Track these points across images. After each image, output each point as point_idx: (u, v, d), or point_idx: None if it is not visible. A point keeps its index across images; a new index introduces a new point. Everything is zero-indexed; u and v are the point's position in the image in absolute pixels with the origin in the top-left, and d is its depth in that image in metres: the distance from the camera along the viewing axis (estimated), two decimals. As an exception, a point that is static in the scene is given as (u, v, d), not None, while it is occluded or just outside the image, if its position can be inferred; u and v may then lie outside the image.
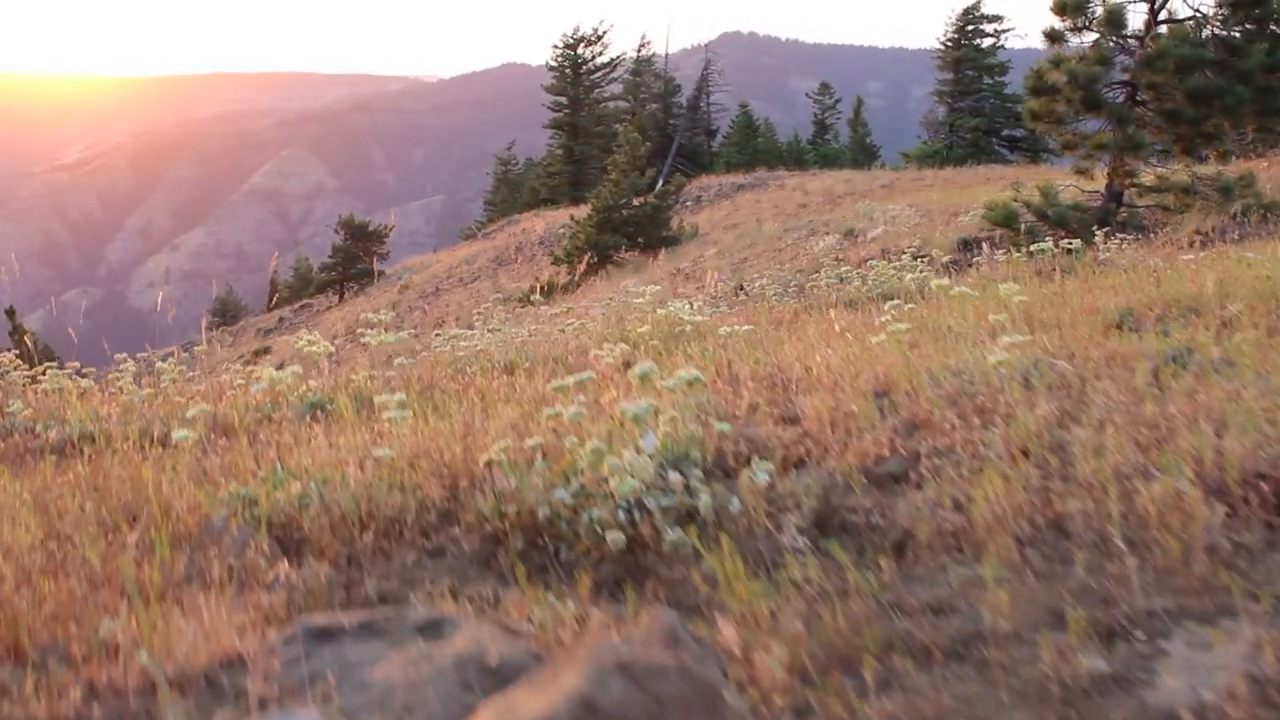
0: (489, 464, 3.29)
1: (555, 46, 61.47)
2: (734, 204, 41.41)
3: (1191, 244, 12.33)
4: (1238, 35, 15.36)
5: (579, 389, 3.62)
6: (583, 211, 36.28)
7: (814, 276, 14.31)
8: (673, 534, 2.90)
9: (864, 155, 61.71)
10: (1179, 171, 15.74)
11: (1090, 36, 15.67)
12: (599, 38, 61.26)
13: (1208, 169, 16.20)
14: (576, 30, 61.48)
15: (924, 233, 19.93)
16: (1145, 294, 6.71)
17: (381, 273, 51.12)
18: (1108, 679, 2.20)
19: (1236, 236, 12.64)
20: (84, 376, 7.03)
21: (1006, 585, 2.54)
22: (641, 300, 9.13)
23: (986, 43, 54.92)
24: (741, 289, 16.75)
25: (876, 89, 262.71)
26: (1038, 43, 16.27)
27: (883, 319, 6.08)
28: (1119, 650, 2.30)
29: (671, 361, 5.95)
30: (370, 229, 51.70)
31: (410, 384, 6.22)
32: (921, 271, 10.28)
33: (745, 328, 7.38)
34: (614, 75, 63.22)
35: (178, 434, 3.63)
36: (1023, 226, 14.92)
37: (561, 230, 39.20)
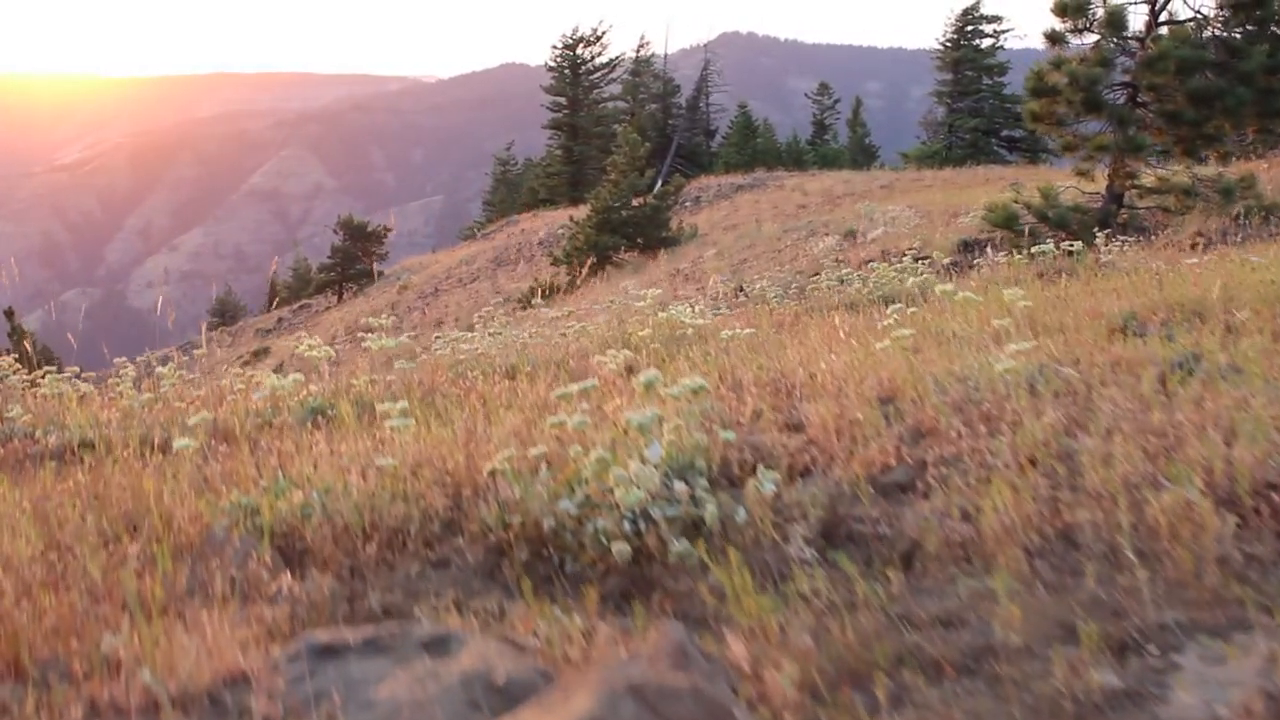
0: (493, 473, 3.27)
1: (554, 47, 61.49)
2: (733, 204, 41.39)
3: (1194, 246, 12.31)
4: (1239, 37, 15.34)
5: (582, 396, 3.59)
6: (582, 212, 36.24)
7: (814, 278, 14.29)
8: (679, 545, 2.87)
9: (863, 156, 61.70)
10: (1180, 173, 15.72)
11: (1091, 38, 15.65)
12: (598, 38, 61.27)
13: (1208, 170, 16.18)
14: (576, 31, 61.51)
15: (924, 234, 19.90)
16: (1148, 297, 6.69)
17: (380, 273, 51.07)
18: (1120, 694, 2.17)
19: (1239, 239, 12.62)
20: (83, 380, 7.00)
21: (1016, 598, 2.52)
22: (643, 304, 9.10)
23: (986, 43, 54.91)
24: (741, 290, 16.72)
25: (875, 89, 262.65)
26: (1037, 43, 16.28)
27: (885, 323, 6.07)
28: (1131, 664, 2.27)
29: (674, 366, 5.93)
30: (369, 229, 51.67)
31: (411, 389, 6.19)
32: (922, 274, 10.24)
33: (747, 331, 7.37)
34: (613, 76, 63.22)
35: (179, 442, 3.60)
36: (1025, 229, 14.88)
37: (561, 231, 39.18)
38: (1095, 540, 2.80)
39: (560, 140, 61.79)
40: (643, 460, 3.04)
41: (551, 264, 35.78)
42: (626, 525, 2.91)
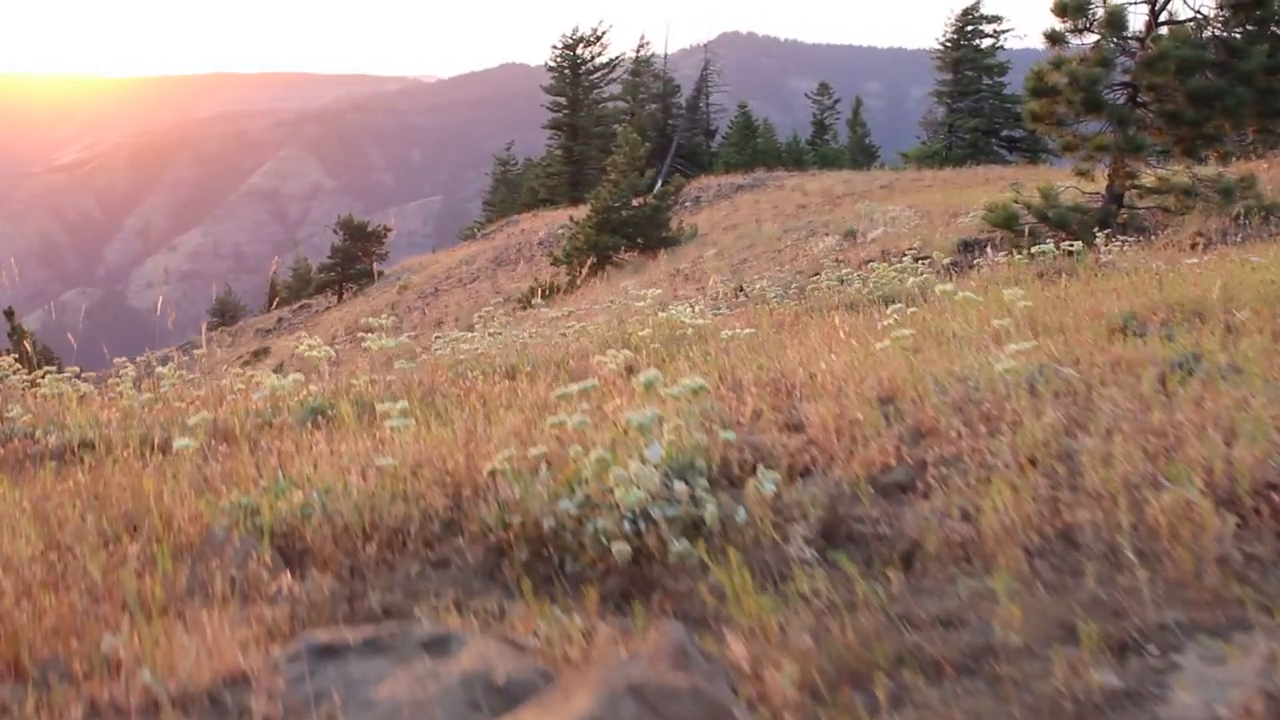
0: (493, 473, 3.27)
1: (554, 47, 61.50)
2: (733, 204, 41.39)
3: (1194, 246, 12.31)
4: (1239, 37, 15.34)
5: (582, 396, 3.59)
6: (582, 212, 36.24)
7: (814, 278, 14.28)
8: (679, 545, 2.87)
9: (863, 156, 61.71)
10: (1180, 173, 15.72)
11: (1091, 38, 15.65)
12: (598, 38, 61.27)
13: (1208, 170, 16.19)
14: (575, 31, 61.51)
15: (924, 234, 19.90)
16: (1148, 298, 6.69)
17: (380, 273, 51.08)
18: (1120, 694, 2.17)
19: (1239, 239, 12.61)
20: (83, 380, 7.00)
21: (1016, 598, 2.52)
22: (643, 304, 9.10)
23: (986, 43, 54.92)
24: (741, 290, 16.72)
25: (875, 89, 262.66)
26: (1037, 43, 16.27)
27: (885, 323, 6.07)
28: (1131, 664, 2.27)
29: (674, 366, 5.93)
30: (369, 229, 51.66)
31: (412, 389, 6.19)
32: (922, 274, 10.24)
33: (747, 331, 7.36)
34: (613, 76, 63.23)
35: (179, 442, 3.60)
36: (1026, 229, 14.88)
37: (560, 231, 39.18)
38: (1095, 540, 2.80)
39: (560, 140, 61.80)
40: (643, 460, 3.04)
41: (551, 264, 35.78)
42: (626, 525, 2.91)
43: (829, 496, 3.22)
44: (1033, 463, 3.28)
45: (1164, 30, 15.44)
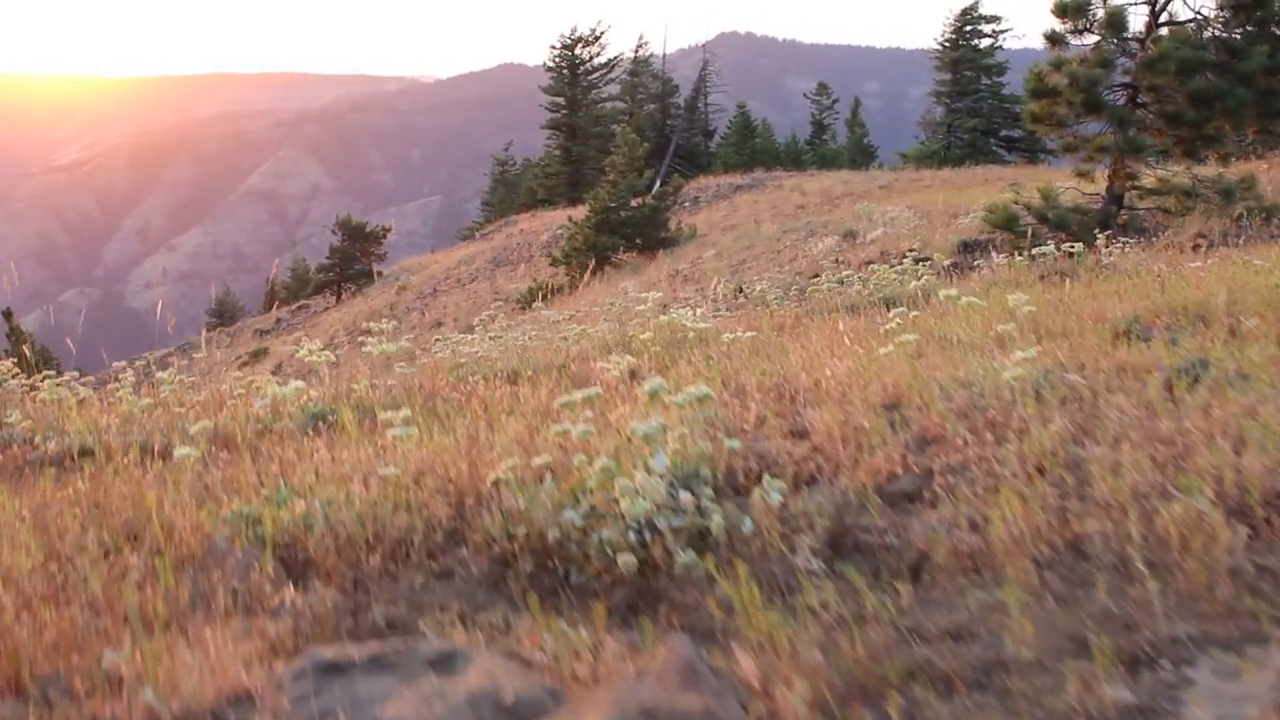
0: (496, 483, 3.24)
1: (553, 47, 61.44)
2: (732, 205, 41.37)
3: (1196, 248, 12.29)
4: (1239, 37, 15.33)
5: (586, 404, 3.57)
6: (580, 212, 36.22)
7: (814, 280, 14.25)
8: (685, 556, 2.85)
9: (862, 156, 61.69)
10: (1180, 174, 15.71)
11: (1091, 39, 15.64)
12: (596, 38, 61.25)
13: (1208, 170, 16.16)
14: (574, 31, 61.49)
15: (924, 235, 19.88)
16: (1151, 301, 6.67)
17: (379, 274, 51.04)
18: (1134, 710, 2.15)
19: (1240, 241, 12.60)
20: (82, 384, 6.97)
21: (1026, 610, 2.49)
22: (644, 307, 9.07)
23: (984, 43, 54.89)
24: (741, 291, 16.69)
25: (873, 89, 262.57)
26: (1035, 43, 16.27)
27: (887, 327, 6.04)
28: (1144, 679, 2.25)
29: (676, 371, 5.90)
30: (367, 230, 51.61)
31: (413, 394, 6.16)
32: (924, 277, 10.22)
33: (748, 334, 7.34)
34: (611, 76, 63.20)
35: (179, 451, 3.57)
36: (1030, 232, 14.86)
37: (559, 231, 39.15)
38: (1105, 551, 2.77)
39: (559, 140, 61.78)
40: (648, 470, 3.01)
41: (550, 264, 35.75)
42: (632, 536, 2.89)
43: (835, 506, 3.19)
44: (1040, 472, 3.25)
45: (1164, 31, 15.43)
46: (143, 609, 2.50)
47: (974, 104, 54.55)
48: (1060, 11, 15.52)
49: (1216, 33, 15.42)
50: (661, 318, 8.55)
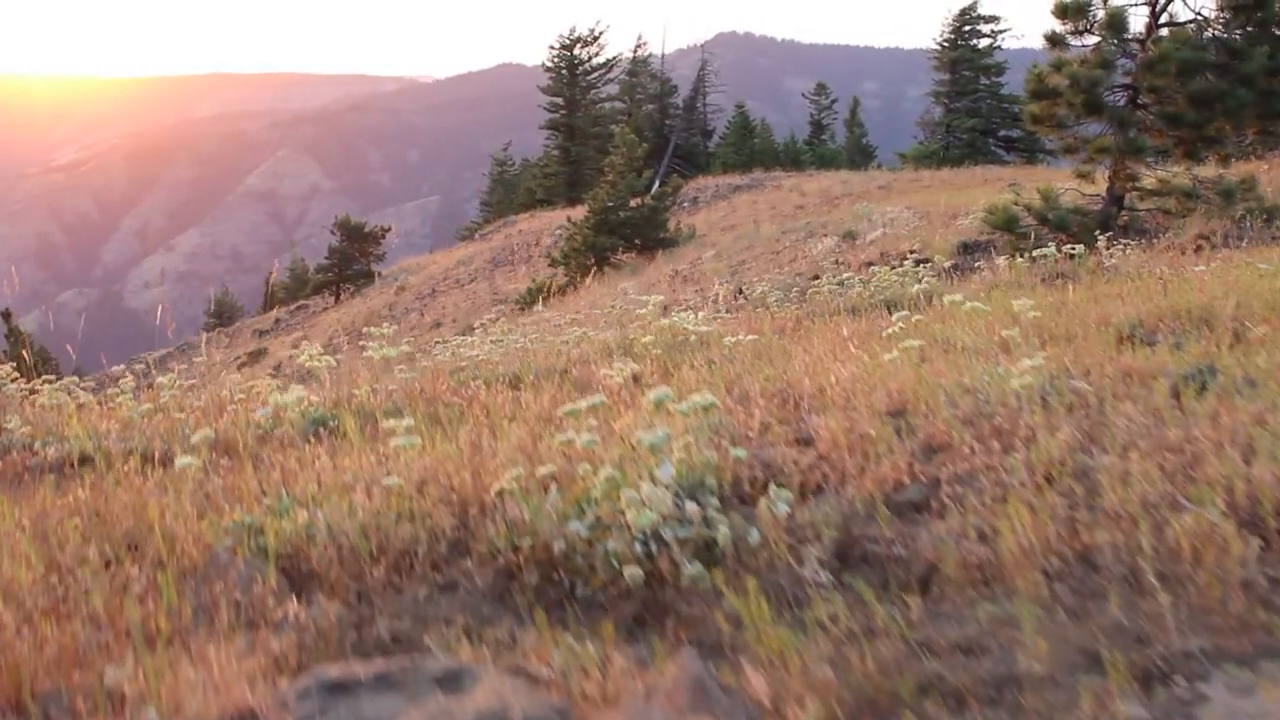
0: (500, 493, 3.22)
1: (551, 47, 61.43)
2: (731, 205, 41.35)
3: (1198, 249, 12.26)
4: (1239, 38, 15.31)
5: (590, 413, 3.54)
6: (579, 213, 36.20)
7: (814, 281, 14.21)
8: (691, 568, 2.82)
9: (860, 156, 61.67)
10: (1180, 175, 15.68)
11: (1091, 40, 15.62)
12: (595, 38, 61.24)
13: (1208, 171, 16.14)
14: (573, 31, 61.50)
15: (923, 235, 19.85)
16: (1154, 304, 6.64)
17: (378, 274, 51.02)
18: (1148, 727, 2.13)
19: (1242, 242, 12.57)
20: (82, 388, 6.94)
21: (1038, 624, 2.47)
22: (645, 311, 9.05)
23: (983, 43, 54.88)
24: (741, 293, 16.66)
25: (872, 89, 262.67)
26: (1034, 43, 16.26)
27: (890, 331, 6.01)
28: (1158, 696, 2.23)
29: (679, 375, 5.87)
30: (366, 230, 51.58)
31: (414, 399, 6.13)
32: (925, 280, 10.19)
33: (750, 337, 7.31)
34: (610, 76, 63.20)
35: (181, 461, 3.54)
36: (1032, 234, 14.84)
37: (558, 232, 39.13)
38: (1116, 563, 2.75)
39: (557, 141, 61.78)
40: (654, 480, 2.99)
41: (549, 265, 35.73)
42: (638, 547, 2.86)
43: (842, 516, 3.17)
44: (1049, 481, 3.23)
45: (1164, 32, 15.41)
46: (145, 624, 2.48)
47: (973, 104, 54.55)
48: (1061, 12, 15.49)
49: (1217, 34, 15.40)
50: (663, 321, 8.52)
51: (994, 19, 55.20)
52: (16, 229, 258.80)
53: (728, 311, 12.25)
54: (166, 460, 4.58)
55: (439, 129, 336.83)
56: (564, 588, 2.91)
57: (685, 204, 43.41)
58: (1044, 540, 2.85)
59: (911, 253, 15.56)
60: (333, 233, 51.62)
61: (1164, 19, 15.62)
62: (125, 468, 4.33)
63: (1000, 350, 5.22)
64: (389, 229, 53.18)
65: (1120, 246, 12.07)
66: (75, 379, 6.97)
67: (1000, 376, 4.13)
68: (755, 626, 2.46)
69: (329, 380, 7.08)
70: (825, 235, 24.56)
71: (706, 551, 2.95)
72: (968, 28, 54.98)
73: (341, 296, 50.40)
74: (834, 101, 68.62)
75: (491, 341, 10.10)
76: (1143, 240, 13.90)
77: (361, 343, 8.59)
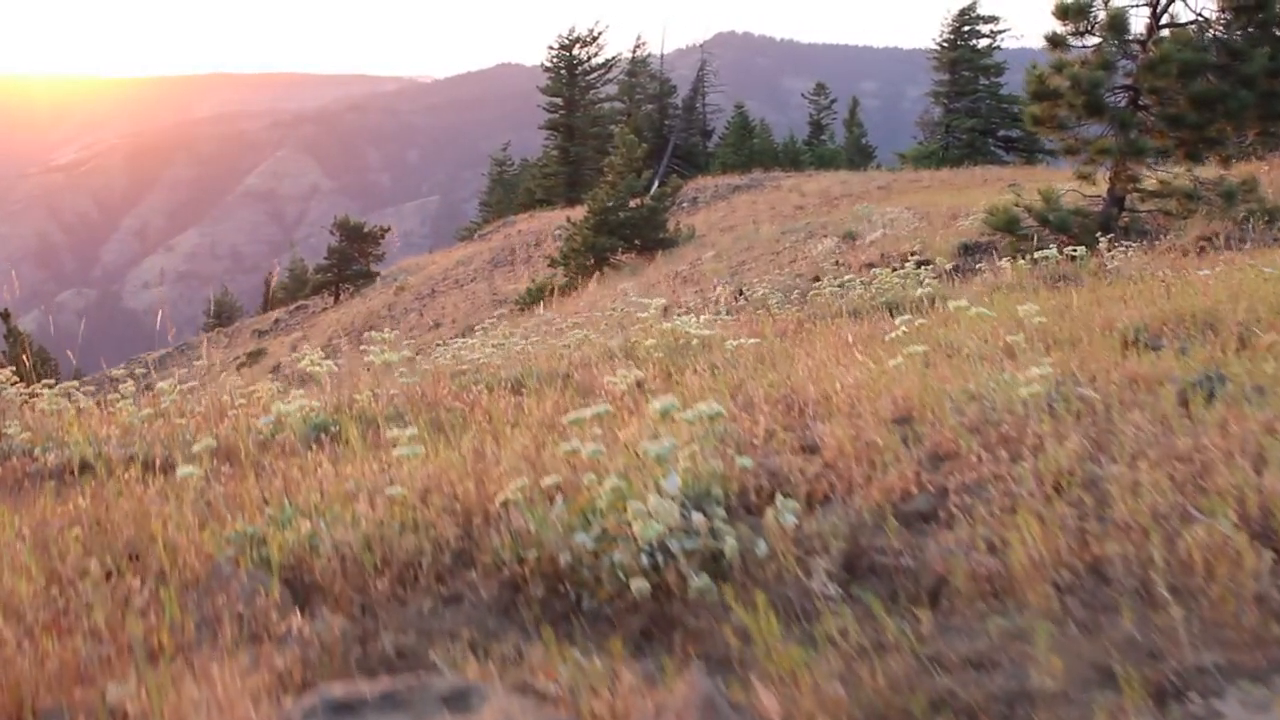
0: (505, 503, 3.19)
1: (550, 47, 61.40)
2: (730, 205, 41.31)
3: (1201, 250, 12.24)
4: (1240, 39, 15.28)
5: (595, 421, 3.51)
6: (579, 213, 36.18)
7: (815, 283, 14.19)
8: (698, 580, 2.80)
9: (860, 156, 61.63)
10: (1181, 176, 15.65)
11: (1092, 41, 15.58)
12: (594, 38, 61.21)
13: (1209, 172, 16.11)
14: (572, 31, 61.47)
15: (924, 237, 19.83)
16: (1158, 308, 6.61)
17: (378, 274, 50.99)
18: (1163, 745, 2.10)
19: (1244, 244, 12.54)
20: (81, 391, 6.92)
21: (1049, 638, 2.44)
22: (647, 314, 9.02)
23: (982, 43, 54.85)
24: (741, 294, 16.64)
25: (871, 89, 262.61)
26: (1033, 43, 16.22)
27: (893, 335, 5.99)
28: (1172, 712, 2.20)
29: (682, 380, 5.85)
30: (365, 230, 51.55)
31: (415, 404, 6.10)
32: (927, 283, 10.16)
33: (752, 340, 7.29)
34: (609, 76, 63.18)
35: (182, 470, 3.52)
36: (1033, 236, 14.80)
37: (558, 232, 39.09)
38: (1127, 576, 2.72)
39: (557, 141, 61.76)
40: (660, 491, 2.96)
41: (549, 265, 35.71)
42: (644, 559, 2.83)
43: (850, 527, 3.14)
44: (1058, 491, 3.20)
45: (1166, 33, 15.37)
46: (147, 638, 2.45)
47: (972, 104, 54.52)
48: (1061, 13, 15.46)
49: (1218, 35, 15.36)
50: (665, 325, 8.50)
51: (993, 19, 55.22)
52: (16, 229, 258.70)
53: (728, 313, 12.23)
54: (168, 467, 4.56)
55: (438, 129, 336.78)
56: (570, 600, 2.88)
57: (685, 204, 43.37)
58: (1054, 552, 2.82)
59: (912, 254, 15.56)
60: (332, 233, 51.58)
61: (1165, 20, 15.58)
62: (126, 475, 4.30)
63: (1005, 356, 5.19)
64: (388, 229, 53.12)
65: (1122, 248, 12.04)
66: (75, 383, 6.94)
67: (1006, 383, 4.10)
68: (764, 641, 2.43)
69: (329, 384, 7.06)
70: (825, 236, 24.53)
71: (713, 563, 2.93)
72: (967, 28, 54.95)
73: (341, 297, 50.37)
74: (833, 101, 68.59)
75: (493, 345, 10.08)
76: (1144, 242, 13.86)
77: (362, 346, 8.56)
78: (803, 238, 25.79)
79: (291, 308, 53.19)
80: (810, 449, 3.99)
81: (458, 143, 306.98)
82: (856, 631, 2.53)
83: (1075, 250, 11.21)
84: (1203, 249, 12.38)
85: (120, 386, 6.99)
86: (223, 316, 62.42)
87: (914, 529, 3.19)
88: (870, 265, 16.03)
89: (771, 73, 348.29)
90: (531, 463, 3.85)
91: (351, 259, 50.76)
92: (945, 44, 55.44)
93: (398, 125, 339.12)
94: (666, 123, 65.16)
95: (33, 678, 2.33)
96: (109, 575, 3.10)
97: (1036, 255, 11.09)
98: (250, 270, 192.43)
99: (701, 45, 74.50)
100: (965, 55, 54.53)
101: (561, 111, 60.76)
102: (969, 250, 16.98)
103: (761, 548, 2.97)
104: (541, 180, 61.49)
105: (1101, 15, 15.30)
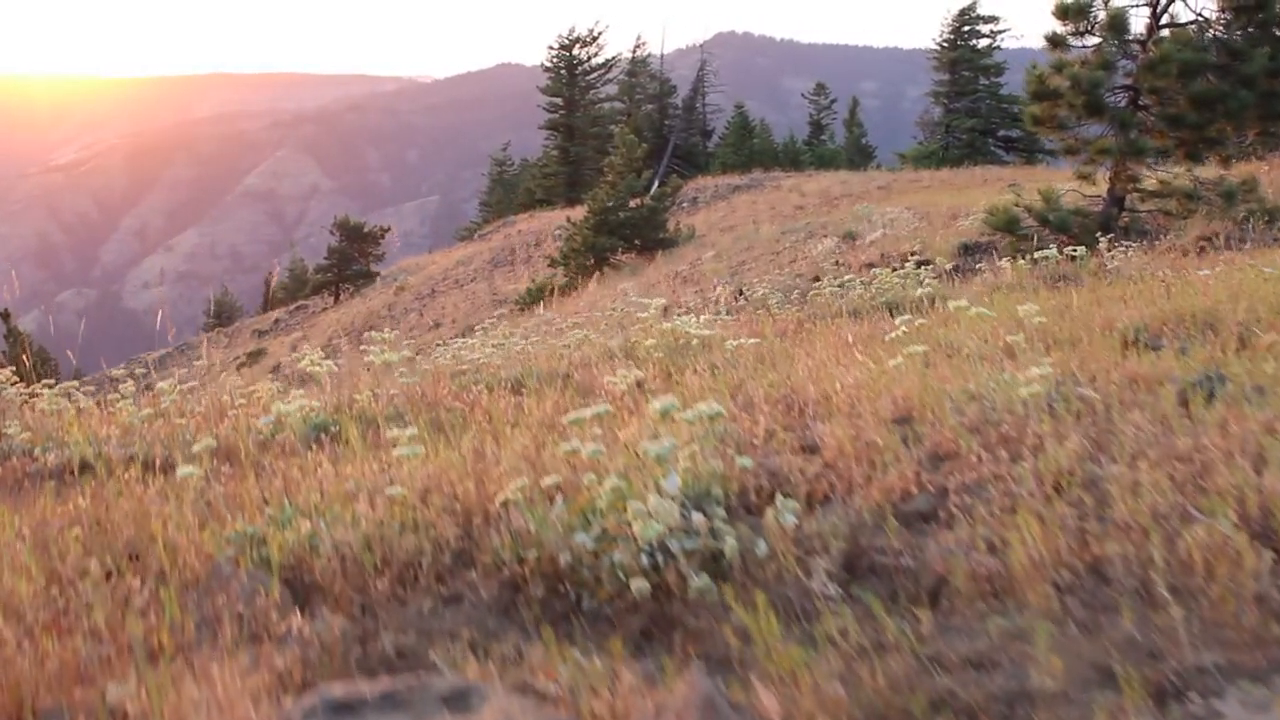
0: (505, 503, 3.19)
1: (550, 47, 61.40)
2: (730, 205, 41.31)
3: (1201, 250, 12.24)
4: (1240, 39, 15.28)
5: (595, 421, 3.51)
6: (579, 213, 36.18)
7: (815, 283, 14.19)
8: (698, 580, 2.80)
9: (860, 156, 61.63)
10: (1181, 176, 15.65)
11: (1092, 41, 15.58)
12: (594, 38, 61.21)
13: (1209, 172, 16.11)
14: (572, 31, 61.48)
15: (924, 237, 19.83)
16: (1158, 308, 6.61)
17: (378, 274, 51.00)
18: (1164, 745, 2.10)
19: (1244, 244, 12.54)
20: (81, 390, 6.92)
21: (1049, 638, 2.44)
22: (646, 315, 9.03)
23: (982, 43, 54.85)
24: (741, 294, 16.64)
25: (871, 89, 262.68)
26: (1033, 43, 16.21)
27: (893, 335, 5.99)
28: (1173, 713, 2.20)
29: (682, 380, 5.85)
30: (365, 230, 51.54)
31: (415, 404, 6.10)
32: (927, 283, 10.16)
33: (752, 340, 7.29)
34: (609, 76, 63.18)
35: (182, 470, 3.52)
36: (1034, 237, 14.80)
37: (558, 232, 39.10)
38: (1127, 576, 2.72)
39: (557, 141, 61.77)
40: (660, 491, 2.96)
41: (549, 265, 35.71)
42: (644, 559, 2.83)
43: (850, 527, 3.14)
44: (1058, 491, 3.20)
45: (1166, 33, 15.37)
46: (147, 638, 2.45)
47: (972, 104, 54.52)
48: (1062, 13, 15.46)
49: (1218, 35, 15.36)
50: (664, 324, 8.50)
51: (993, 19, 55.22)
52: (16, 229, 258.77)
53: (728, 313, 12.23)
54: (167, 467, 4.56)
55: (438, 129, 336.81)
56: (570, 600, 2.88)
57: (685, 204, 43.37)
58: (1054, 552, 2.82)
59: (912, 254, 15.56)
60: (332, 233, 51.58)
61: (1165, 20, 15.58)
62: (126, 475, 4.30)
63: (1005, 355, 5.19)
64: (388, 229, 53.13)
65: (1122, 248, 12.04)
66: (75, 383, 6.94)
67: (1006, 383, 4.10)
68: (764, 641, 2.44)
69: (329, 384, 7.06)
70: (825, 236, 24.53)
71: (713, 563, 2.93)
72: (967, 28, 54.96)
73: (341, 297, 50.38)
74: (833, 101, 68.59)
75: (493, 345, 10.08)
76: (1144, 242, 13.86)
77: (362, 346, 8.56)
78: (803, 238, 25.80)
79: (291, 308, 53.19)
80: (810, 449, 3.99)
81: (457, 143, 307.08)
82: (856, 631, 2.53)
83: (1075, 250, 11.21)
84: (1203, 249, 12.38)
85: (120, 386, 6.99)
86: (223, 316, 62.43)
87: (914, 529, 3.19)
88: (870, 265, 16.03)
89: (771, 73, 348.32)
90: (531, 463, 3.85)
91: (351, 259, 50.76)
92: (945, 44, 55.45)
93: (397, 125, 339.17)
94: (666, 123, 65.18)
95: (33, 678, 2.33)
96: (109, 575, 3.10)
97: (1036, 255, 11.09)
98: (250, 270, 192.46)
99: (701, 45, 74.49)
100: (965, 55, 54.53)
101: (561, 111, 60.78)
102: (969, 250, 16.98)
103: (761, 548, 2.97)
104: (541, 180, 61.50)
105: (1101, 15, 15.31)
